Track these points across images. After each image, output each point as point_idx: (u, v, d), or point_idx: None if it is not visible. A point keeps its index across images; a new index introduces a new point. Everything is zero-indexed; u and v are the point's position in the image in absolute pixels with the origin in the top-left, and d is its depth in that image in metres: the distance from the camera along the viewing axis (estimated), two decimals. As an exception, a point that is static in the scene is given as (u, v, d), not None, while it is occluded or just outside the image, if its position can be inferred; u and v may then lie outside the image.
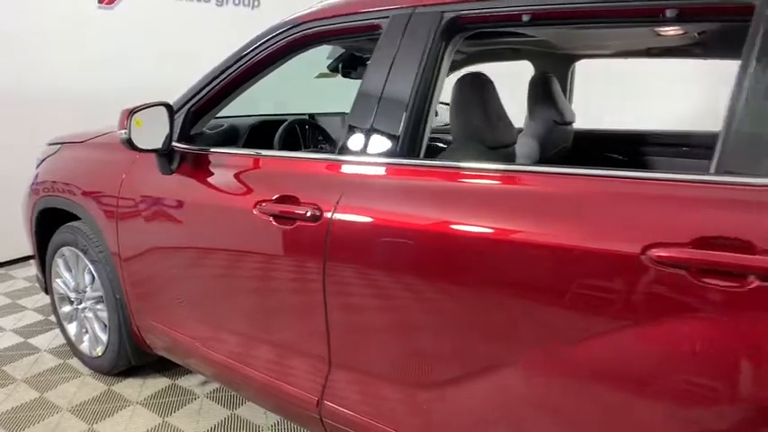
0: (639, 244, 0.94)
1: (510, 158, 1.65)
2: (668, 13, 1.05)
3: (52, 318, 2.63)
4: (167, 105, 1.70)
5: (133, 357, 2.18)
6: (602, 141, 2.40)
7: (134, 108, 1.62)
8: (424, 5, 1.33)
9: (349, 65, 2.20)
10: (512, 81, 2.24)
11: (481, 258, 1.12)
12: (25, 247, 2.64)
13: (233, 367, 1.69)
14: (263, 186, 1.53)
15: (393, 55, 1.35)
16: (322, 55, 2.33)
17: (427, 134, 1.35)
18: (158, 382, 2.30)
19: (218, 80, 1.74)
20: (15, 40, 3.44)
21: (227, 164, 1.69)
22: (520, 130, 2.09)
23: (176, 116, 1.76)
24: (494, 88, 1.59)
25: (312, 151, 2.46)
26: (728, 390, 0.88)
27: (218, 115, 1.97)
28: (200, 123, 1.86)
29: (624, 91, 3.62)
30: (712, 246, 0.89)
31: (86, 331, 2.34)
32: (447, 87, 1.44)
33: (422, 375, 1.27)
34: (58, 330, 2.59)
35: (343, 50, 2.19)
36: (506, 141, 1.61)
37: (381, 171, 1.34)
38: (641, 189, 1.01)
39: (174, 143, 1.74)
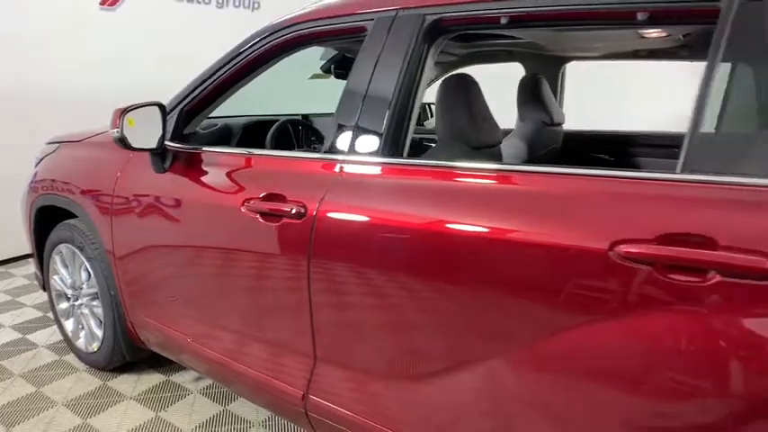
0: (607, 240, 0.96)
1: (495, 158, 1.68)
2: (640, 16, 1.08)
3: (50, 314, 2.67)
4: (160, 105, 1.74)
5: (127, 353, 2.22)
6: (592, 142, 2.43)
7: (126, 107, 1.66)
8: (407, 8, 1.36)
9: (341, 66, 2.23)
10: (513, 82, 2.27)
11: (457, 255, 1.14)
12: (25, 245, 2.68)
13: (222, 362, 1.72)
14: (251, 185, 1.57)
15: (377, 56, 1.38)
16: (316, 57, 2.37)
17: (411, 133, 1.38)
18: (153, 378, 2.33)
19: (210, 80, 1.77)
20: (18, 40, 3.50)
21: (218, 162, 1.73)
22: (508, 132, 2.12)
23: (169, 116, 1.80)
24: (478, 89, 1.62)
25: (303, 151, 2.50)
26: (692, 382, 0.91)
27: (212, 115, 2.00)
28: (194, 123, 1.89)
29: (616, 93, 3.65)
30: (677, 242, 0.91)
31: (82, 327, 2.37)
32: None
33: (403, 369, 1.30)
34: (55, 327, 2.63)
35: (336, 52, 2.23)
36: (490, 142, 1.64)
37: (364, 169, 1.37)
38: (611, 187, 1.03)
39: (166, 142, 1.77)
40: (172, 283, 1.85)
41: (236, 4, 4.60)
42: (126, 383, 2.29)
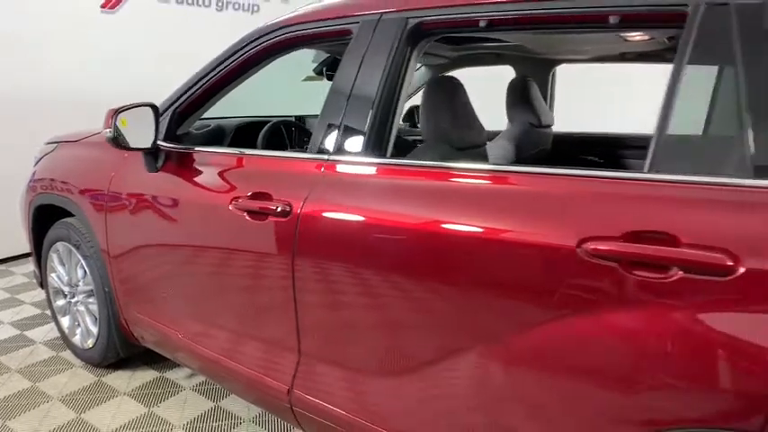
0: (576, 238, 0.99)
1: (479, 159, 1.71)
2: (612, 20, 1.11)
3: (48, 312, 2.71)
4: (153, 106, 1.78)
5: (121, 349, 2.25)
6: (582, 144, 2.46)
7: (119, 108, 1.70)
8: (390, 12, 1.39)
9: (333, 68, 2.26)
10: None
11: (432, 251, 1.18)
12: (25, 244, 2.72)
13: (211, 358, 1.75)
14: (240, 184, 1.60)
15: (361, 58, 1.42)
16: (309, 59, 2.41)
17: (394, 133, 1.41)
18: (147, 375, 2.37)
19: (202, 82, 1.81)
20: (20, 42, 3.55)
21: (209, 162, 1.76)
22: (497, 133, 2.15)
23: (162, 117, 1.84)
24: (463, 92, 1.65)
25: (294, 151, 2.53)
26: (655, 374, 0.93)
27: (207, 116, 2.04)
28: (187, 124, 1.93)
29: (615, 94, 3.67)
30: (641, 240, 0.94)
31: (78, 324, 2.41)
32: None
33: (384, 364, 1.33)
34: (53, 324, 2.67)
35: (328, 55, 2.26)
36: (474, 143, 1.67)
37: (348, 169, 1.40)
38: (580, 185, 1.06)
39: (159, 142, 1.81)
40: (162, 280, 1.89)
41: (236, 7, 4.65)
42: (120, 379, 2.33)
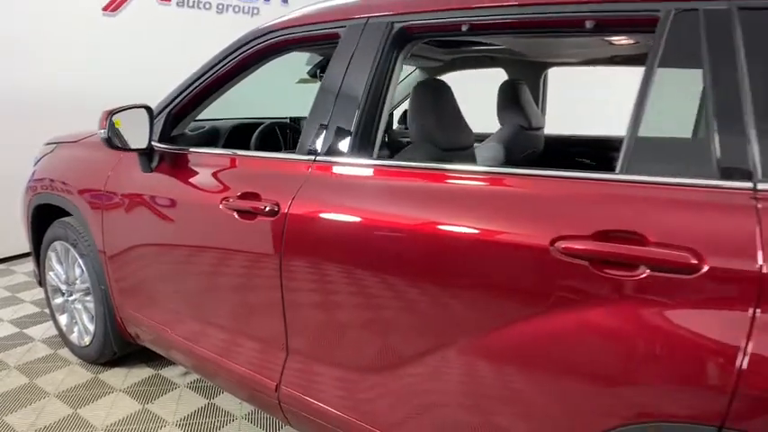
0: (549, 237, 1.02)
1: (465, 160, 1.74)
2: (588, 24, 1.14)
3: (47, 310, 2.75)
4: (147, 107, 1.81)
5: (117, 347, 2.29)
6: (574, 146, 2.48)
7: (113, 109, 1.73)
8: (376, 16, 1.42)
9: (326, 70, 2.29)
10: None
11: (412, 250, 1.21)
12: (26, 244, 2.76)
13: (202, 355, 1.78)
14: (231, 184, 1.63)
15: (348, 61, 1.45)
16: (303, 61, 2.45)
17: (380, 134, 1.44)
18: (142, 372, 2.40)
19: (196, 84, 1.85)
20: (22, 43, 3.61)
21: (201, 163, 1.79)
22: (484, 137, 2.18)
23: (157, 118, 1.88)
24: (450, 94, 1.68)
25: (285, 152, 2.57)
26: (623, 370, 0.96)
27: (203, 118, 2.07)
28: (181, 125, 1.97)
29: (607, 97, 3.69)
30: (611, 239, 0.97)
31: (76, 322, 2.45)
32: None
33: (368, 360, 1.35)
34: (51, 322, 2.71)
35: (322, 58, 2.29)
36: (461, 144, 1.70)
37: (335, 169, 1.43)
38: (555, 186, 1.09)
39: (153, 143, 1.85)
40: (156, 278, 1.92)
41: (236, 9, 4.69)
42: (116, 376, 2.36)
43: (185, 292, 1.82)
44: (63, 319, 2.53)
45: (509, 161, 2.13)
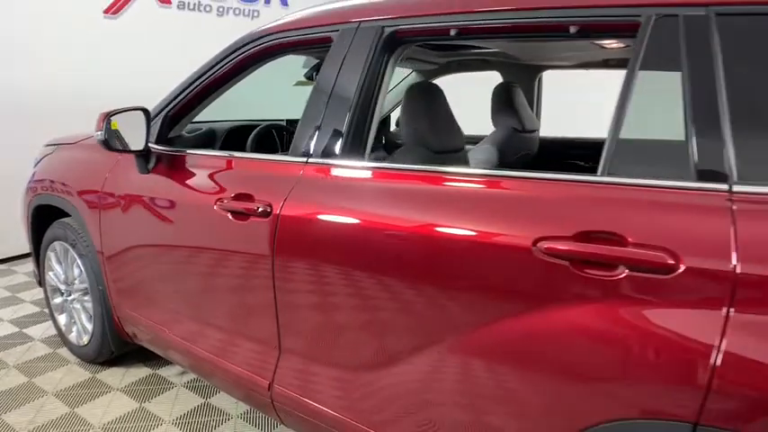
0: (531, 237, 1.04)
1: (457, 163, 1.76)
2: (572, 29, 1.16)
3: (47, 310, 2.78)
4: (144, 110, 1.84)
5: (114, 346, 2.31)
6: (569, 148, 2.50)
7: (110, 111, 1.76)
8: (367, 21, 1.45)
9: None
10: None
11: (400, 250, 1.23)
12: (27, 244, 2.78)
13: (199, 355, 1.81)
14: (225, 185, 1.66)
15: (340, 64, 1.47)
16: (300, 64, 2.47)
17: (371, 136, 1.46)
18: (140, 371, 2.43)
19: (192, 87, 1.87)
20: (24, 46, 3.64)
21: (197, 164, 1.82)
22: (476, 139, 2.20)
23: (155, 120, 1.90)
24: (442, 98, 1.70)
25: (279, 154, 2.59)
26: (602, 368, 0.98)
27: (201, 120, 2.10)
28: (178, 127, 1.99)
29: (605, 100, 3.71)
30: (591, 239, 0.99)
31: (75, 322, 2.48)
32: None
33: (358, 359, 1.37)
34: (51, 322, 2.73)
35: (318, 61, 2.32)
36: (452, 147, 1.72)
37: (326, 170, 1.45)
38: (539, 187, 1.11)
39: (150, 145, 1.87)
40: (152, 279, 1.94)
41: (236, 12, 4.73)
42: (114, 376, 2.38)
43: (181, 293, 1.84)
44: (62, 319, 2.56)
45: (502, 163, 2.14)
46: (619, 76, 1.07)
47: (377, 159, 1.71)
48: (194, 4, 4.52)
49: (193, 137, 2.22)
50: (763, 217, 0.87)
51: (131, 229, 1.95)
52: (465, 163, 1.83)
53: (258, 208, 1.48)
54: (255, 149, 2.36)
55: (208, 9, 4.60)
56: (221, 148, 2.38)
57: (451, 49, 2.15)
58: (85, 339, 2.40)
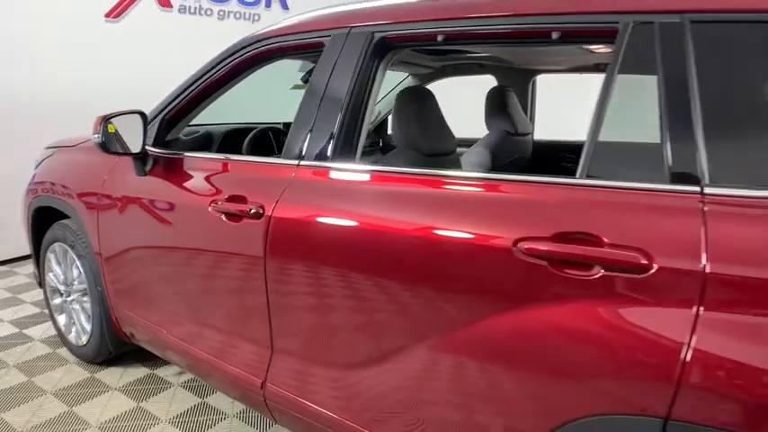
0: (512, 238, 1.07)
1: (448, 165, 1.79)
2: (554, 35, 1.19)
3: (46, 310, 2.81)
4: (141, 113, 1.87)
5: (112, 346, 2.34)
6: (562, 151, 2.53)
7: (107, 115, 1.80)
8: (358, 26, 1.48)
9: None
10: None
11: (389, 250, 1.25)
12: (27, 245, 2.82)
13: (195, 355, 1.84)
14: (220, 187, 1.69)
15: (331, 69, 1.51)
16: (296, 69, 2.51)
17: (362, 139, 1.49)
18: (138, 371, 2.46)
19: (189, 90, 1.91)
20: (26, 49, 3.69)
21: (193, 167, 1.85)
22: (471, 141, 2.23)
23: (152, 123, 1.94)
24: (433, 102, 1.73)
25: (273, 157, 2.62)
26: (578, 367, 1.00)
27: (199, 122, 2.13)
28: (175, 130, 2.03)
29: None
30: (569, 240, 1.01)
31: (74, 322, 2.51)
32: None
33: (347, 357, 1.40)
34: (50, 322, 2.77)
35: (314, 65, 2.35)
36: (443, 150, 1.75)
37: (317, 172, 1.48)
38: (520, 189, 1.14)
39: (147, 147, 1.91)
40: (149, 279, 1.97)
41: (237, 16, 4.77)
42: (112, 375, 2.42)
43: (177, 293, 1.87)
44: (61, 320, 2.59)
45: (495, 166, 2.17)
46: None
47: (374, 162, 1.74)
48: (195, 8, 4.56)
49: (190, 140, 2.26)
50: (732, 218, 0.89)
51: (129, 230, 1.99)
52: (456, 165, 1.86)
53: (251, 210, 1.51)
54: (252, 152, 2.40)
55: (209, 13, 4.64)
56: (218, 151, 2.41)
57: (446, 53, 2.19)
58: (84, 339, 2.43)
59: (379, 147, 3.12)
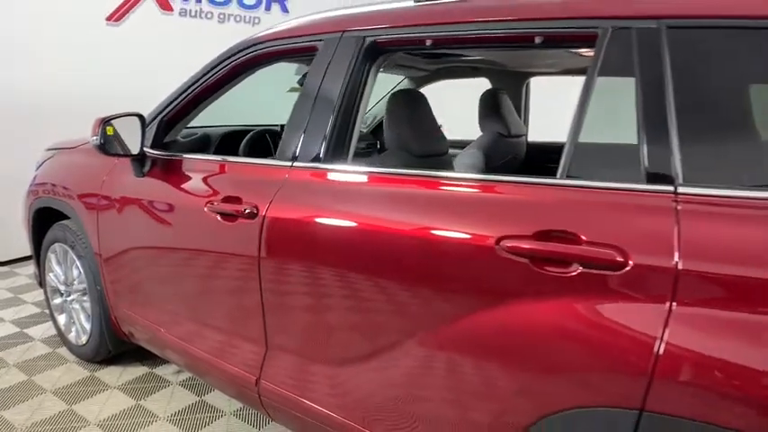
0: (495, 237, 1.10)
1: (439, 167, 1.82)
2: (537, 40, 1.22)
3: (47, 310, 2.85)
4: (139, 116, 1.91)
5: (112, 346, 2.38)
6: (556, 152, 2.54)
7: (106, 117, 1.83)
8: (350, 30, 1.52)
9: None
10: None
11: (380, 249, 1.29)
12: (28, 246, 2.86)
13: (192, 353, 1.87)
14: (216, 188, 1.72)
15: (324, 72, 1.54)
16: (293, 71, 2.55)
17: (354, 141, 1.53)
18: (137, 370, 2.49)
19: (187, 93, 1.94)
20: (27, 52, 3.74)
21: (190, 168, 1.88)
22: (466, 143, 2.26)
23: (150, 125, 1.98)
24: (425, 104, 1.77)
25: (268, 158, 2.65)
26: (557, 362, 1.03)
27: (197, 125, 2.16)
28: (173, 132, 2.06)
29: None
30: (548, 238, 1.05)
31: (74, 322, 2.55)
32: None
33: (340, 354, 1.43)
34: (51, 322, 2.81)
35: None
36: (435, 151, 1.78)
37: (309, 173, 1.52)
38: (503, 189, 1.17)
39: (145, 149, 1.94)
40: (147, 279, 2.01)
41: (237, 19, 4.81)
42: (111, 374, 2.45)
43: (175, 293, 1.91)
44: (62, 319, 2.63)
45: (488, 167, 2.20)
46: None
47: (371, 163, 1.77)
48: (196, 12, 4.61)
49: (188, 141, 2.29)
50: (704, 217, 0.92)
51: (127, 231, 2.02)
52: (446, 167, 1.90)
53: (245, 210, 1.54)
54: (248, 154, 2.43)
55: (209, 16, 4.68)
56: (215, 153, 2.45)
57: (440, 56, 2.22)
58: (84, 339, 2.46)
59: (376, 148, 3.15)
